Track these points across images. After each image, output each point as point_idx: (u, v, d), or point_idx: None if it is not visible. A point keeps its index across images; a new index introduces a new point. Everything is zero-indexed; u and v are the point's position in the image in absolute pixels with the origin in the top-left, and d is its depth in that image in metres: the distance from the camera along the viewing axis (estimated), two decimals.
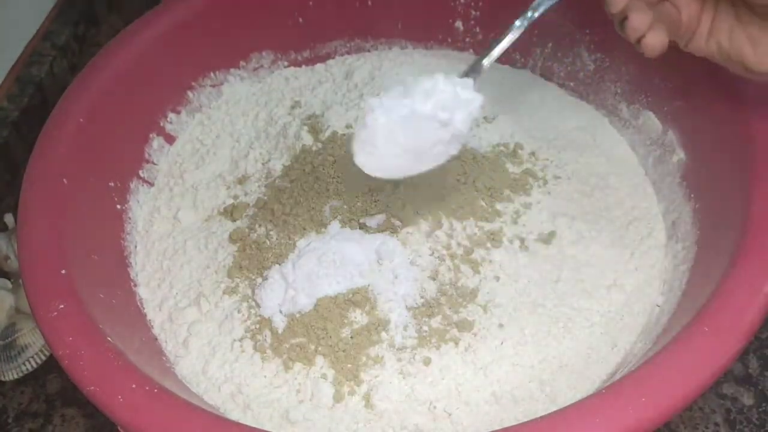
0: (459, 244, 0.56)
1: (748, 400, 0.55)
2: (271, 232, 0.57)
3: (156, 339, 0.54)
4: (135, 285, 0.57)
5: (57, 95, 0.58)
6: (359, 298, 0.52)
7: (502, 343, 0.52)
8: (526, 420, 0.41)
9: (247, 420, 0.49)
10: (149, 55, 0.63)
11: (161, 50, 0.63)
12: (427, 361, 0.51)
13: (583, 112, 0.68)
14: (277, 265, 0.55)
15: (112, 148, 0.60)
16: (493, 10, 0.70)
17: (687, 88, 0.59)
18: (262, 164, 0.64)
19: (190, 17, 0.65)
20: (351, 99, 0.69)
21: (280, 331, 0.52)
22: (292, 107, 0.70)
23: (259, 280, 0.55)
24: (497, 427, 0.40)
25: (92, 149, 0.57)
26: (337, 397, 0.50)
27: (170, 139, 0.67)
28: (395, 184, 0.57)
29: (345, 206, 0.57)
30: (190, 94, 0.68)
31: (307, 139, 0.64)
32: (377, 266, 0.54)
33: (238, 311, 0.54)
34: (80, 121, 0.56)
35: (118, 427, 0.42)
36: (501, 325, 0.52)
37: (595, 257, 0.57)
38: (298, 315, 0.53)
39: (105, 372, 0.42)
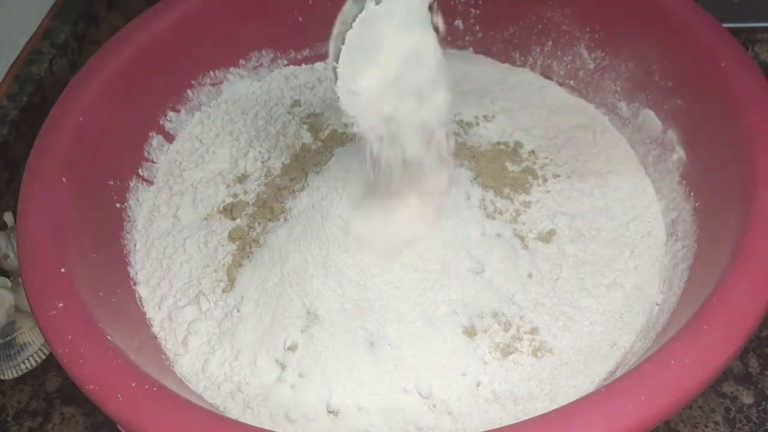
0: None
1: (747, 398, 0.55)
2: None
3: (155, 337, 0.54)
4: (134, 283, 0.57)
5: (56, 94, 0.58)
6: None
7: (501, 341, 0.52)
8: (525, 418, 0.40)
9: (247, 419, 0.49)
10: (148, 54, 0.63)
11: (160, 48, 0.63)
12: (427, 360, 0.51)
13: (582, 111, 0.68)
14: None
15: (112, 147, 0.60)
16: (493, 9, 0.70)
17: (687, 86, 0.59)
18: (262, 163, 0.64)
19: (190, 15, 0.65)
20: None
21: None
22: (292, 106, 0.70)
23: None
24: (497, 426, 0.40)
25: (91, 148, 0.57)
26: (337, 395, 0.50)
27: (170, 138, 0.67)
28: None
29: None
30: (189, 92, 0.68)
31: (307, 138, 0.64)
32: None
33: (238, 310, 0.54)
34: (79, 120, 0.56)
35: (118, 426, 0.42)
36: (501, 323, 0.52)
37: (595, 256, 0.57)
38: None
39: (104, 370, 0.42)
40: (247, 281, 0.55)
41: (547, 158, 0.63)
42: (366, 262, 0.52)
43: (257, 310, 0.53)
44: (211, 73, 0.69)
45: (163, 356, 0.53)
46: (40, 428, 0.56)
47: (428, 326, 0.51)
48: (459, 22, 0.72)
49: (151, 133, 0.65)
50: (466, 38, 0.73)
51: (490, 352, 0.51)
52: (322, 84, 0.72)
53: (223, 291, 0.56)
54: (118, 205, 0.60)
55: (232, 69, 0.70)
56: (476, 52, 0.73)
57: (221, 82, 0.70)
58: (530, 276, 0.55)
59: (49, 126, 0.56)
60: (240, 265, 0.56)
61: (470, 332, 0.52)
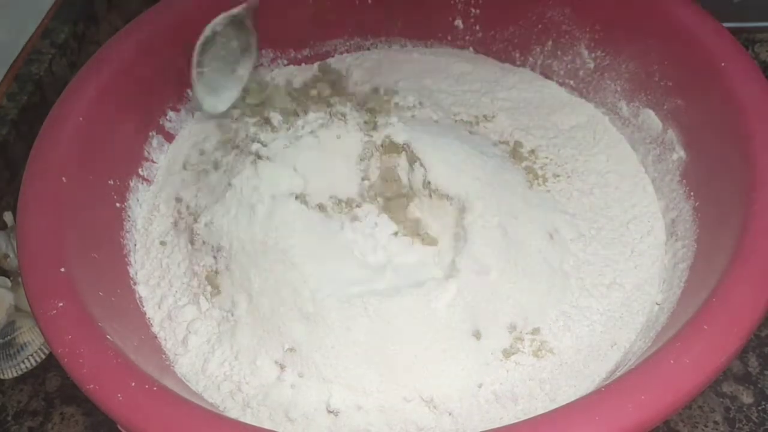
0: None
1: (747, 398, 0.55)
2: None
3: (155, 337, 0.54)
4: (134, 283, 0.57)
5: (56, 93, 0.58)
6: None
7: (504, 342, 0.52)
8: (525, 418, 0.40)
9: (247, 418, 0.49)
10: (148, 53, 0.63)
11: (160, 48, 0.63)
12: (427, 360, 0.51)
13: (582, 111, 0.68)
14: None
15: (112, 147, 0.60)
16: (492, 8, 0.70)
17: (687, 86, 0.59)
18: None
19: (190, 15, 0.65)
20: None
21: None
22: None
23: None
24: (497, 425, 0.40)
25: (91, 147, 0.57)
26: (337, 395, 0.50)
27: (170, 138, 0.67)
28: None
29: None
30: (189, 92, 0.68)
31: None
32: None
33: (232, 314, 0.54)
34: (79, 120, 0.56)
35: (118, 425, 0.42)
36: (504, 325, 0.52)
37: (595, 255, 0.57)
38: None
39: (104, 370, 0.42)
40: (230, 287, 0.55)
41: (547, 158, 0.63)
42: (367, 262, 0.52)
43: (252, 314, 0.53)
44: None
45: (163, 356, 0.53)
46: (40, 428, 0.56)
47: (431, 327, 0.51)
48: (459, 22, 0.72)
49: (151, 133, 0.65)
50: (466, 37, 0.73)
51: (492, 353, 0.51)
52: None
53: (212, 296, 0.55)
54: (117, 204, 0.60)
55: None
56: (476, 51, 0.73)
57: None
58: (532, 276, 0.55)
59: (49, 126, 0.56)
60: (216, 273, 0.56)
61: (473, 334, 0.52)
